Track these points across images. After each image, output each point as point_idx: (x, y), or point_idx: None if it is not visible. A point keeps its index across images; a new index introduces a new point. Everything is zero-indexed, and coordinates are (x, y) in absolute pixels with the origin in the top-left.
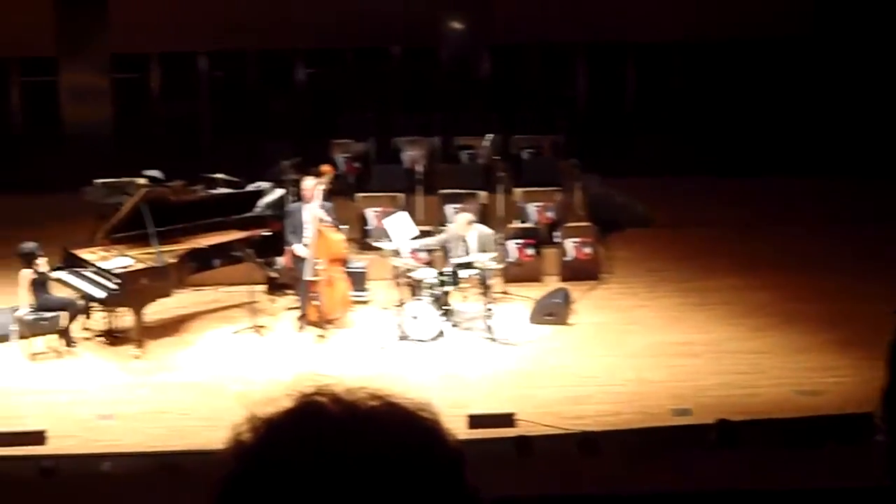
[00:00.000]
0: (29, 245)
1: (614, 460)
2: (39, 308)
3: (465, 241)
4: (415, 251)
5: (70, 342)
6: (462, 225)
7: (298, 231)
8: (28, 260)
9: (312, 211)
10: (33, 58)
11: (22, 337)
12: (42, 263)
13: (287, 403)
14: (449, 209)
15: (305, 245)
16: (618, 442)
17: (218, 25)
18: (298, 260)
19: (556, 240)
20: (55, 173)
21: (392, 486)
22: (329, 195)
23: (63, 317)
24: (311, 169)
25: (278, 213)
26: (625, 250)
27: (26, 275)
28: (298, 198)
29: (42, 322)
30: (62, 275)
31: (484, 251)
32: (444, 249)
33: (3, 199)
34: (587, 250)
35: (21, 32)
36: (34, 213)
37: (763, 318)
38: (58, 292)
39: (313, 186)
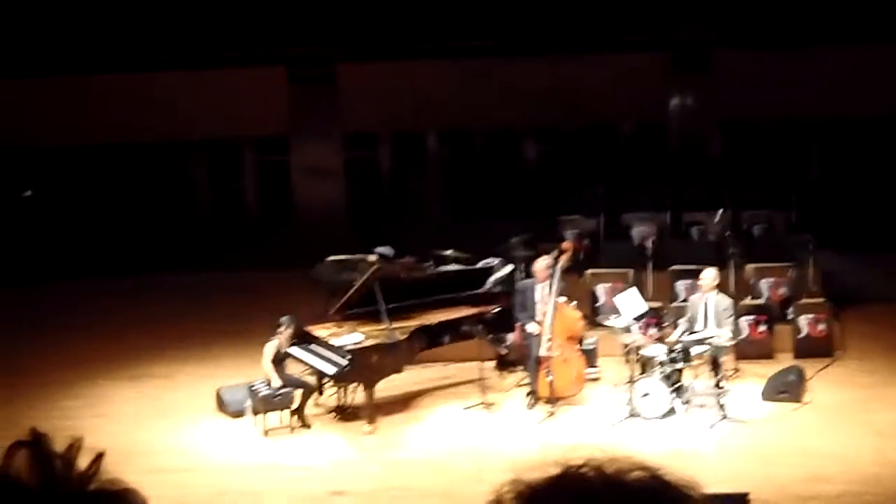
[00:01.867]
0: (284, 318)
1: None
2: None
3: (706, 305)
4: (645, 327)
5: (304, 422)
6: (709, 283)
7: (529, 308)
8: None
9: (548, 288)
10: (267, 137)
11: (255, 412)
12: (285, 338)
13: (551, 472)
14: (679, 286)
15: (537, 322)
16: None
17: (446, 105)
18: (529, 336)
19: (789, 316)
20: (288, 250)
21: None
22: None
23: (297, 395)
24: (541, 245)
25: (508, 290)
26: (862, 326)
27: (271, 347)
28: (528, 274)
29: (275, 398)
30: (295, 350)
31: (719, 324)
32: (678, 324)
33: (236, 275)
34: (821, 327)
35: (255, 112)
36: (268, 290)
37: None
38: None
39: (546, 265)
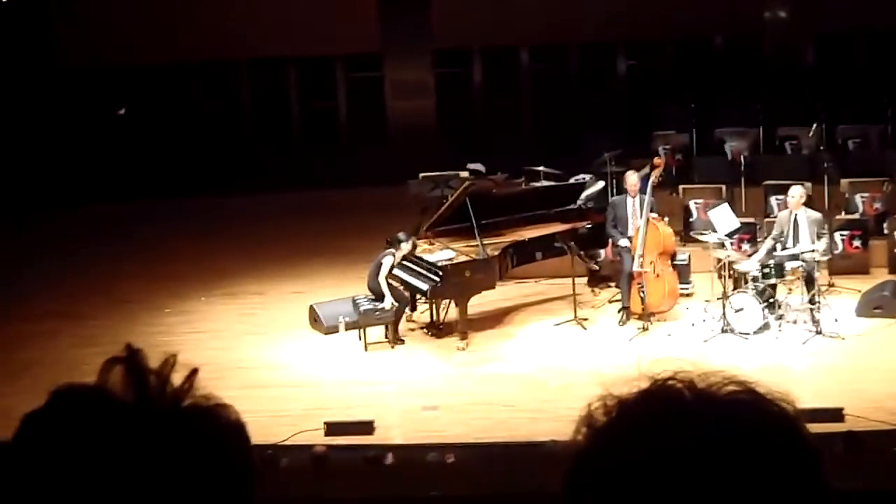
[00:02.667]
0: (402, 234)
1: None
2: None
3: (796, 222)
4: (738, 242)
5: (397, 338)
6: (796, 200)
7: (621, 224)
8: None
9: (639, 203)
10: (358, 54)
11: (357, 327)
12: (402, 255)
13: (642, 386)
14: (773, 201)
15: (629, 238)
16: None
17: (539, 20)
18: (621, 252)
19: (884, 231)
20: (380, 167)
21: (743, 477)
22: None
23: (394, 311)
24: (633, 161)
25: (600, 206)
26: None
27: (389, 262)
28: (619, 190)
29: (377, 313)
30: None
31: (814, 238)
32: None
33: (328, 193)
34: None
35: (347, 30)
36: (359, 207)
37: None
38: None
39: (637, 179)
